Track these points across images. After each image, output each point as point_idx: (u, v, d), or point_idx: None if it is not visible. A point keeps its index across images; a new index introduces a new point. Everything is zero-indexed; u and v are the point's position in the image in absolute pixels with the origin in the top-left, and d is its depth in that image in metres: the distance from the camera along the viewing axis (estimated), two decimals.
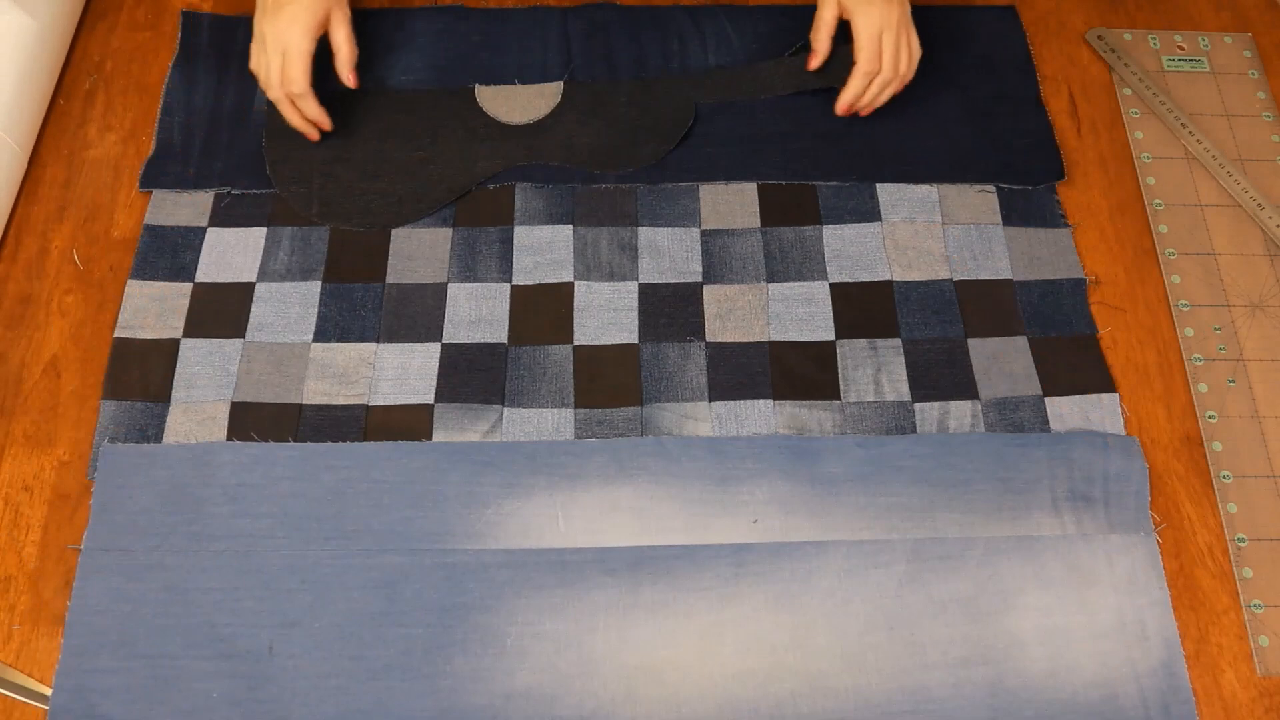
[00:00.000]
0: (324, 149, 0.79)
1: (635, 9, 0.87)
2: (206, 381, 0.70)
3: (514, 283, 0.75)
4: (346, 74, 0.77)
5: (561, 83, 0.81)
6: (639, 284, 0.75)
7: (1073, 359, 0.73)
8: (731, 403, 0.71)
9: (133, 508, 0.65)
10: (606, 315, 0.74)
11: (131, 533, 0.65)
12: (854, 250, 0.77)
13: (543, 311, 0.74)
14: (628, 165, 0.78)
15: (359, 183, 0.77)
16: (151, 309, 0.73)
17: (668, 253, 0.76)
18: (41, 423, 0.69)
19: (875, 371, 0.72)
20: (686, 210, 0.78)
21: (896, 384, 0.72)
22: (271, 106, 0.79)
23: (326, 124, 0.78)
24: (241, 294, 0.74)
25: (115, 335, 0.72)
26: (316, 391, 0.70)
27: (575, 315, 0.74)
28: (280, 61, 0.74)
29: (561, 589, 0.64)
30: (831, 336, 0.73)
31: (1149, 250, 0.78)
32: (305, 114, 0.77)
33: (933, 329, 0.74)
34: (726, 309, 0.74)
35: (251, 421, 0.69)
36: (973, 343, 0.73)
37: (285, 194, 0.77)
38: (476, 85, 0.81)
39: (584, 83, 0.82)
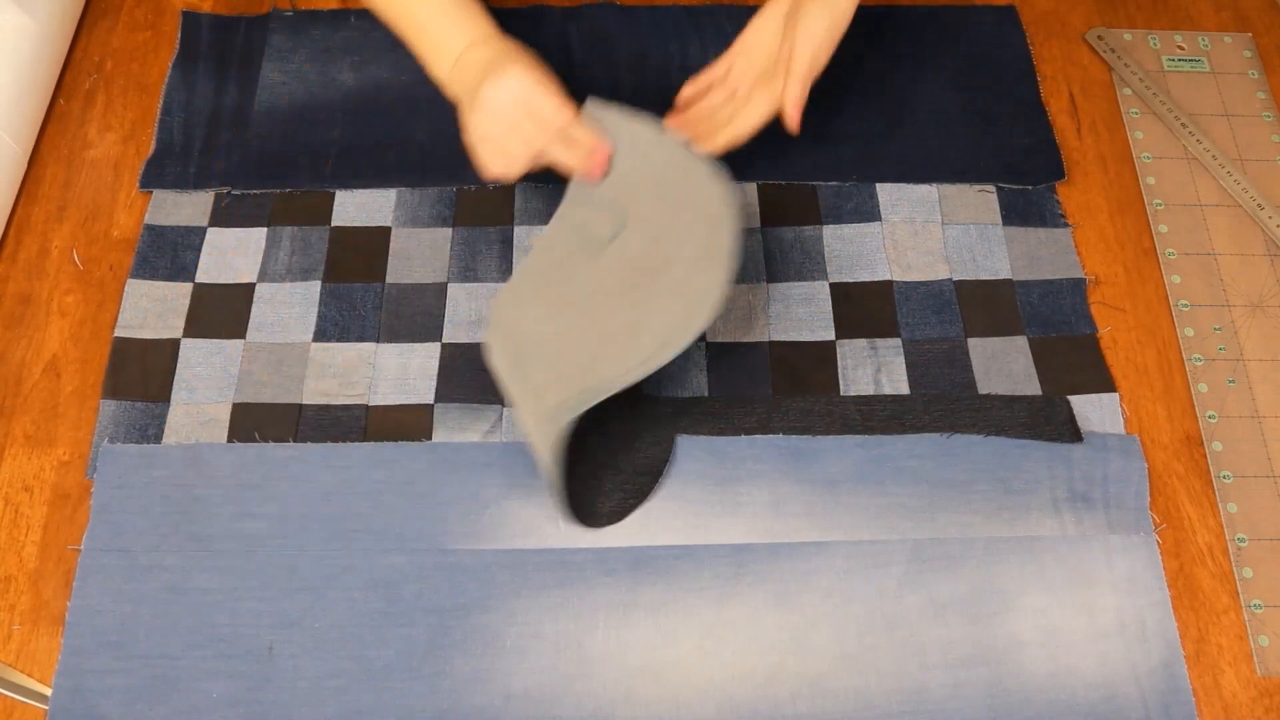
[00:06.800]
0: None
1: (635, 9, 0.87)
2: (206, 382, 0.70)
3: None
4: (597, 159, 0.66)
5: None
6: None
7: (1072, 359, 0.73)
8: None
9: (133, 508, 0.66)
10: None
11: (131, 533, 0.65)
12: (854, 250, 0.77)
13: None
14: (588, 523, 0.66)
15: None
16: (152, 309, 0.73)
17: None
18: (41, 423, 0.69)
19: (875, 371, 0.72)
20: None
21: (896, 384, 0.71)
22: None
23: (606, 146, 0.65)
24: (242, 294, 0.74)
25: (115, 335, 0.72)
26: (316, 391, 0.70)
27: None
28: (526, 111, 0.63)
29: (561, 589, 0.64)
30: (831, 336, 0.73)
31: (1149, 250, 0.78)
32: (582, 141, 0.65)
33: (933, 329, 0.74)
34: (726, 309, 0.74)
35: (251, 422, 0.69)
36: (973, 343, 0.73)
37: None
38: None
39: None
